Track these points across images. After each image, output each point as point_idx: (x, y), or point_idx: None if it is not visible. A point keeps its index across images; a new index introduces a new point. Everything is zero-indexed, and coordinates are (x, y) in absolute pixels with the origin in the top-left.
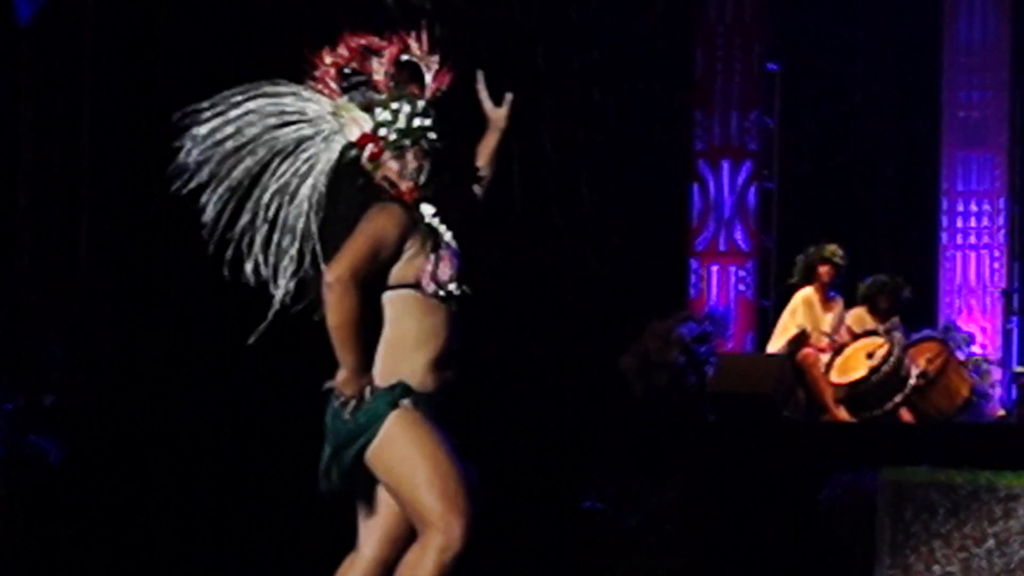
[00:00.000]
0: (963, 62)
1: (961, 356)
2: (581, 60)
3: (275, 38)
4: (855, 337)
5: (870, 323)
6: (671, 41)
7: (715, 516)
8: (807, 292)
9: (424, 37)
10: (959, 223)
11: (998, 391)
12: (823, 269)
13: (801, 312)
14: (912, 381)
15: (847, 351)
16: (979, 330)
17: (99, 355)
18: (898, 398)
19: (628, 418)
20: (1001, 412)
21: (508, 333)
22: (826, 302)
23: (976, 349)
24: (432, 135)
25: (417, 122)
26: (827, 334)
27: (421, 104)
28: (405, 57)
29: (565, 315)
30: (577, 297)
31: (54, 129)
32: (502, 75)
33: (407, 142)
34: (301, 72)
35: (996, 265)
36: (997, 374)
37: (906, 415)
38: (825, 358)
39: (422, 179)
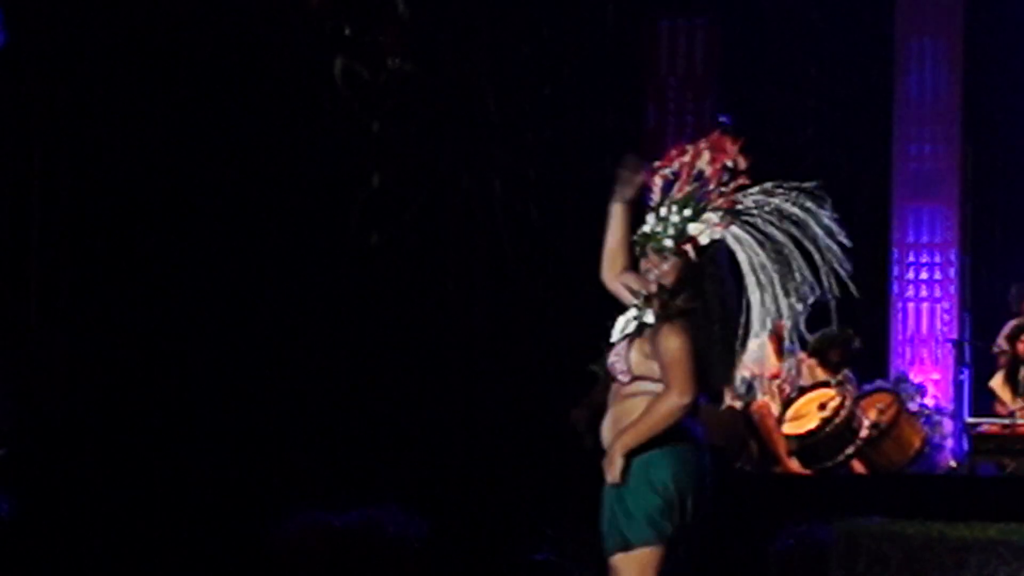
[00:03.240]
0: (914, 115)
1: (913, 407)
2: (532, 109)
3: (214, 93)
4: (807, 389)
5: (821, 375)
6: (623, 94)
7: (667, 569)
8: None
9: (722, 146)
10: (910, 274)
11: (950, 442)
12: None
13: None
14: (864, 432)
15: (799, 403)
16: (930, 381)
17: (50, 408)
18: (850, 449)
19: (579, 471)
20: (953, 463)
21: (460, 388)
22: (781, 354)
23: (928, 400)
24: (668, 243)
25: (658, 229)
26: (779, 381)
27: (673, 216)
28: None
29: (516, 368)
30: (528, 349)
31: (1, 182)
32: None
33: (644, 246)
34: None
35: (947, 316)
36: (949, 425)
37: (858, 466)
38: (777, 410)
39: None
